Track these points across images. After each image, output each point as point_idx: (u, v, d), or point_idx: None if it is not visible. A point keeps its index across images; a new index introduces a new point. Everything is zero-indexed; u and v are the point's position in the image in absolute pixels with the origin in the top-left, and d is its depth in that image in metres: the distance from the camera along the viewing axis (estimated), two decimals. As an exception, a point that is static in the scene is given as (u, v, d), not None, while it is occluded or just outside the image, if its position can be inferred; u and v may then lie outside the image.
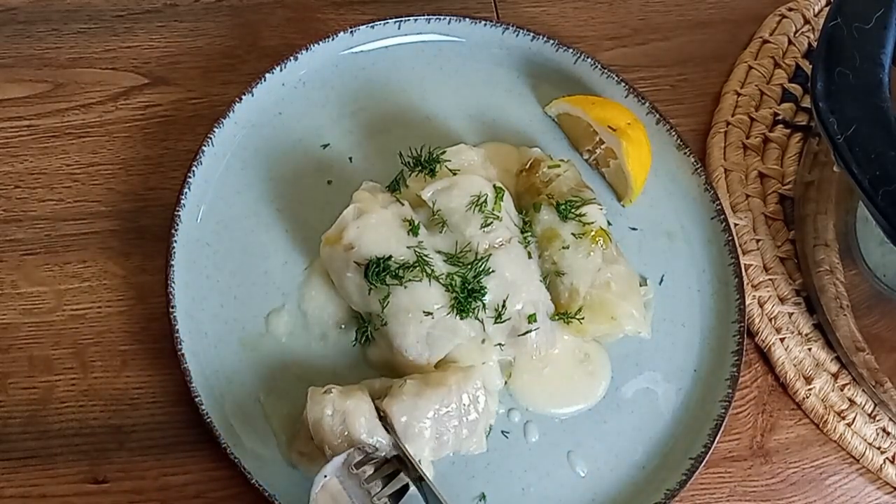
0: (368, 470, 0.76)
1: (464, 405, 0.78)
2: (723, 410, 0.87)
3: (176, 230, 0.84)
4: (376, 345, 0.84)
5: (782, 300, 0.96)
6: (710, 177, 0.99)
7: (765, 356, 0.94)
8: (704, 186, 0.95)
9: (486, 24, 0.98)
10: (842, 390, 0.94)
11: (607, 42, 1.06)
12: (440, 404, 0.77)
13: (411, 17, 0.96)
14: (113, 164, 0.92)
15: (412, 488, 0.76)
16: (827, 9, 1.07)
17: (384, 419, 0.77)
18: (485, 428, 0.81)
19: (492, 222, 0.83)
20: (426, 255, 0.81)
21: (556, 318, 0.86)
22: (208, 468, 0.82)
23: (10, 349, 0.84)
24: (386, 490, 0.75)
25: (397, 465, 0.76)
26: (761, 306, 0.96)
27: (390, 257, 0.80)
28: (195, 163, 0.87)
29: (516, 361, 0.86)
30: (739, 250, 0.94)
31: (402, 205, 0.84)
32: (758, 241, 0.98)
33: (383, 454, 0.76)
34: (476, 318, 0.82)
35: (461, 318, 0.81)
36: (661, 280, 0.93)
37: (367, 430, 0.76)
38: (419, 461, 0.76)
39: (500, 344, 0.84)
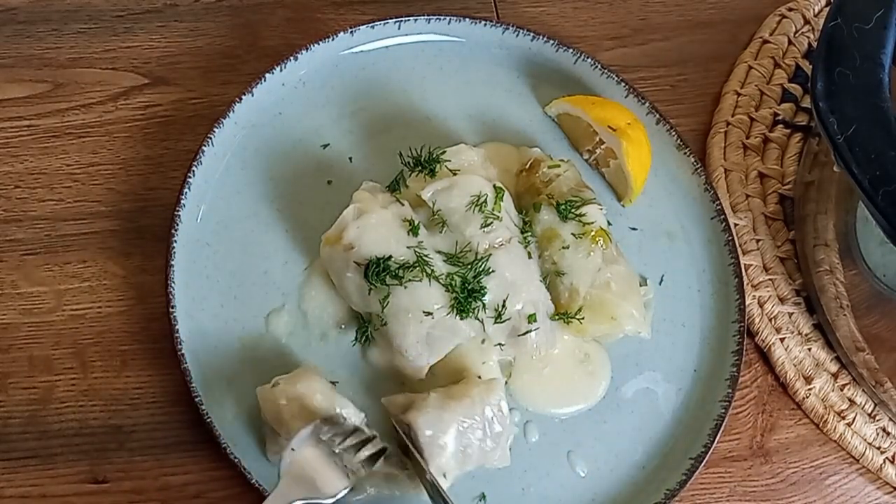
0: (337, 439, 0.75)
1: (487, 418, 0.78)
2: (723, 410, 0.87)
3: (176, 230, 0.84)
4: (376, 345, 0.84)
5: (782, 300, 0.96)
6: (710, 177, 0.99)
7: (765, 356, 0.94)
8: (704, 186, 0.95)
9: (486, 24, 0.98)
10: (842, 390, 0.94)
11: (607, 42, 1.06)
12: (464, 416, 0.77)
13: (411, 17, 0.96)
14: (113, 164, 0.92)
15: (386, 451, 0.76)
16: (827, 9, 1.07)
17: (406, 433, 0.77)
18: (508, 440, 0.80)
19: (492, 222, 0.83)
20: (426, 255, 0.81)
21: (556, 318, 0.86)
22: (208, 468, 0.82)
23: (10, 349, 0.84)
24: (359, 455, 0.75)
25: (367, 432, 0.76)
26: (761, 306, 0.96)
27: (390, 257, 0.80)
28: (195, 163, 0.87)
29: (516, 361, 0.86)
30: (739, 250, 0.94)
31: (402, 205, 0.84)
32: (758, 241, 0.98)
33: (351, 422, 0.76)
34: (476, 318, 0.82)
35: (461, 319, 0.81)
36: (661, 280, 0.93)
37: (327, 404, 0.76)
38: (444, 474, 0.76)
39: (500, 344, 0.84)
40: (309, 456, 0.73)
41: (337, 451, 0.75)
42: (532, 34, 0.98)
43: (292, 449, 0.73)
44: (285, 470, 0.72)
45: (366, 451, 0.76)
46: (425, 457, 0.76)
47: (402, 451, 0.79)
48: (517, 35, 0.98)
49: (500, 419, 0.79)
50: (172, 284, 0.82)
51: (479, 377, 0.82)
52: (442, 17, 0.97)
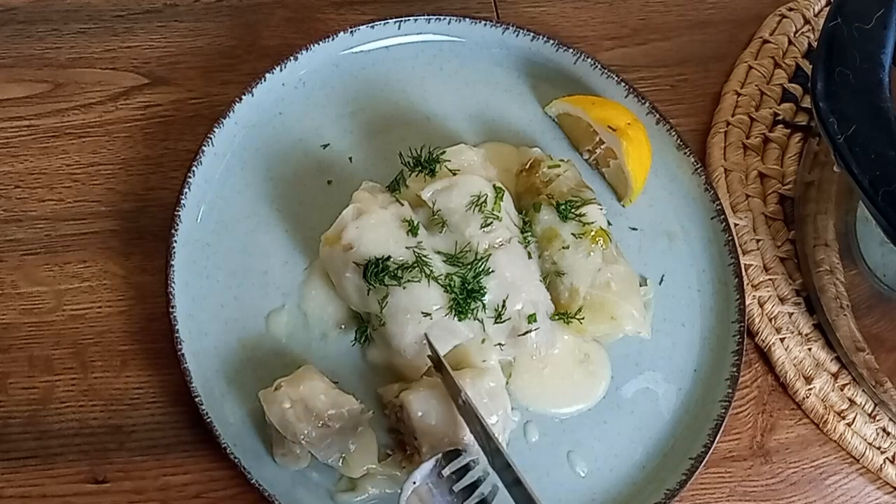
0: (456, 476, 0.75)
1: (481, 403, 0.78)
2: (723, 410, 0.87)
3: (176, 230, 0.84)
4: (376, 345, 0.84)
5: (782, 300, 0.96)
6: (710, 177, 0.99)
7: (765, 356, 0.94)
8: (704, 186, 0.95)
9: (486, 24, 0.98)
10: (842, 390, 0.94)
11: (607, 42, 1.06)
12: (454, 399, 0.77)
13: (411, 17, 0.96)
14: (113, 164, 0.92)
15: (501, 492, 0.75)
16: (827, 9, 1.07)
17: (399, 415, 0.78)
18: (504, 430, 0.81)
19: (492, 222, 0.83)
20: (425, 256, 0.81)
21: (556, 318, 0.86)
22: (208, 468, 0.82)
23: (10, 349, 0.84)
24: (475, 496, 0.75)
25: (484, 470, 0.76)
26: (761, 306, 0.96)
27: (389, 258, 0.80)
28: (195, 163, 0.87)
29: (516, 361, 0.86)
30: (739, 250, 0.94)
31: (402, 205, 0.84)
32: (758, 241, 0.98)
33: (467, 459, 0.76)
34: (476, 318, 0.81)
35: (460, 320, 0.81)
36: (661, 280, 0.93)
37: (331, 404, 0.77)
38: (436, 457, 0.76)
39: (500, 344, 0.84)
40: (428, 491, 0.73)
41: (454, 488, 0.74)
42: (532, 34, 0.98)
43: (414, 482, 0.73)
44: (404, 502, 0.72)
45: (480, 495, 0.75)
46: (417, 436, 0.76)
47: (397, 441, 0.79)
48: (517, 35, 0.98)
49: (493, 406, 0.79)
50: (172, 284, 0.82)
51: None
52: (442, 17, 0.97)
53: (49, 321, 0.85)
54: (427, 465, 0.74)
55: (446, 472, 0.75)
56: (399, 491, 0.73)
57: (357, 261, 0.81)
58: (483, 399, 0.78)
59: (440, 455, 0.75)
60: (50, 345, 0.84)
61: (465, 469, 0.75)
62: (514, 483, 0.74)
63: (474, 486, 0.75)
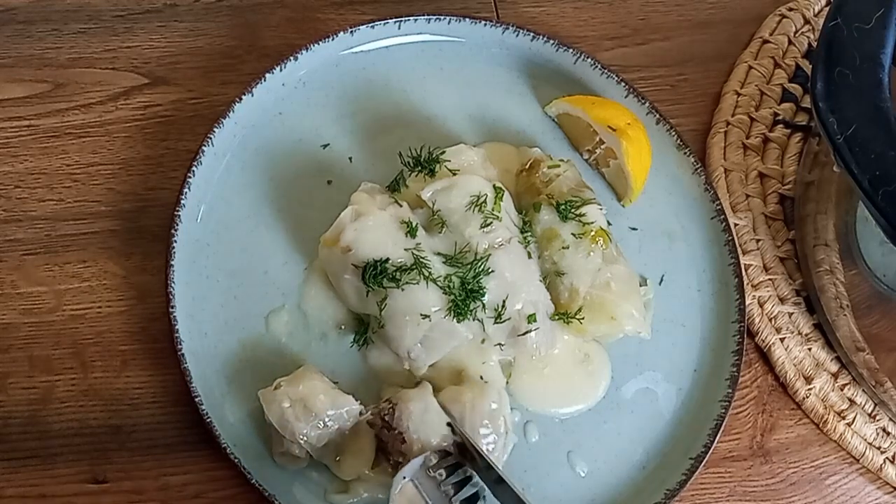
0: (444, 473, 0.76)
1: (483, 423, 0.79)
2: (723, 410, 0.87)
3: (176, 230, 0.84)
4: (375, 347, 0.84)
5: (782, 300, 0.96)
6: (710, 177, 0.99)
7: (765, 356, 0.94)
8: (704, 186, 0.95)
9: (486, 24, 0.98)
10: (842, 390, 0.94)
11: (607, 42, 1.06)
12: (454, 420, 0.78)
13: (411, 17, 0.96)
14: (113, 164, 0.92)
15: (486, 490, 0.77)
16: (827, 9, 1.07)
17: (390, 421, 0.78)
18: (506, 446, 0.81)
19: (491, 222, 0.83)
20: (424, 258, 0.81)
21: (556, 318, 0.86)
22: (208, 468, 0.82)
23: (10, 349, 0.84)
24: (461, 494, 0.75)
25: (471, 466, 0.77)
26: (761, 306, 0.96)
27: (387, 260, 0.80)
28: (195, 163, 0.87)
29: (516, 361, 0.86)
30: (739, 250, 0.94)
31: (401, 206, 0.84)
32: (758, 241, 0.98)
33: (455, 459, 0.76)
34: (475, 318, 0.81)
35: (458, 321, 0.80)
36: (661, 280, 0.93)
37: (330, 404, 0.77)
38: (429, 467, 0.76)
39: (500, 344, 0.84)
40: (415, 488, 0.74)
41: (442, 485, 0.75)
42: (532, 34, 0.98)
43: (404, 478, 0.74)
44: (395, 496, 0.73)
45: (467, 492, 0.76)
46: (406, 440, 0.77)
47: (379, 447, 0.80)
48: (517, 35, 0.98)
49: (493, 427, 0.79)
50: (172, 284, 0.82)
51: (482, 377, 0.82)
52: (442, 17, 0.97)
53: (49, 321, 0.85)
54: (416, 462, 0.74)
55: (435, 469, 0.75)
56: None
57: (355, 263, 0.80)
58: (484, 421, 0.79)
59: (429, 453, 0.75)
60: (50, 345, 0.84)
61: (454, 467, 0.76)
62: (497, 482, 0.75)
63: (462, 483, 0.76)
